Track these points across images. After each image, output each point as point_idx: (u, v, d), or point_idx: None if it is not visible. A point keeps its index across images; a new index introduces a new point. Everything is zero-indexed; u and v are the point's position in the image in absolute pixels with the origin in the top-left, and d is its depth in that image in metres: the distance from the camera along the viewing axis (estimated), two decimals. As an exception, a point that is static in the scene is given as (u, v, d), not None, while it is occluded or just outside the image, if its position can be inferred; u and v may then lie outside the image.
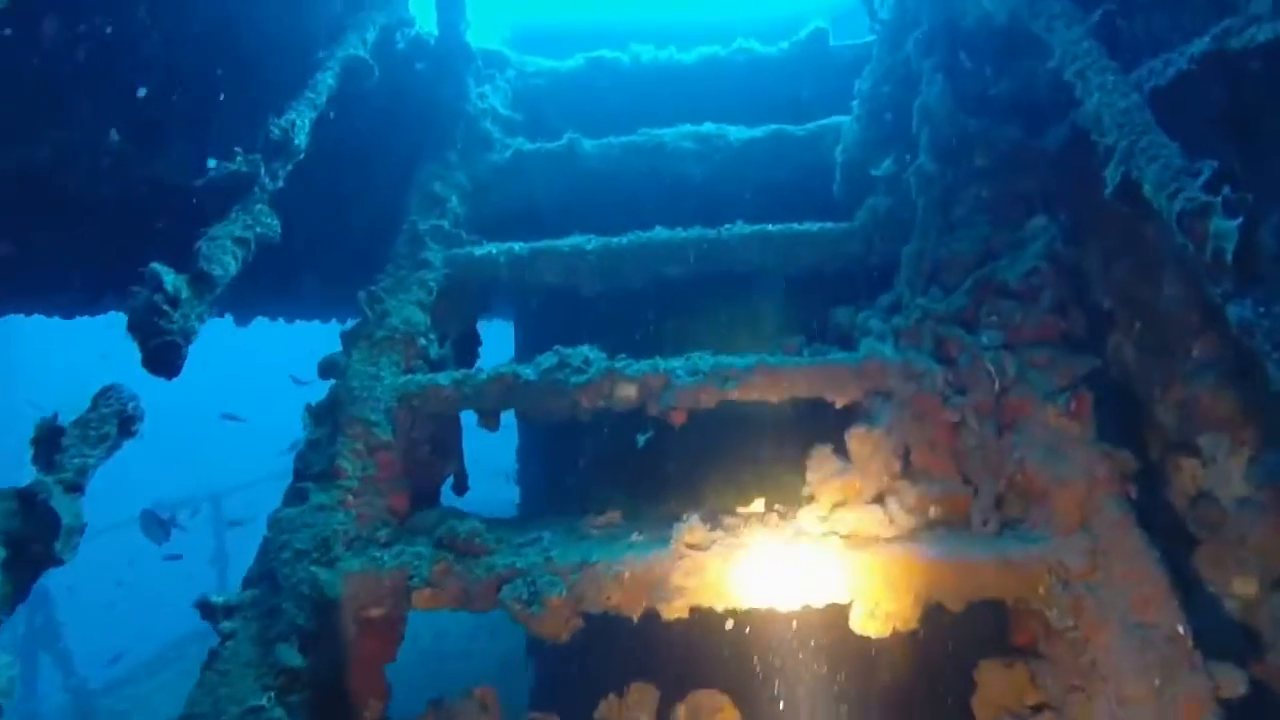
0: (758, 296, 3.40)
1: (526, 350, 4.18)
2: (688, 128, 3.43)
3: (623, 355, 2.70)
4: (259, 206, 2.15)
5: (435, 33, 3.62)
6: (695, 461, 3.16)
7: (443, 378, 2.69)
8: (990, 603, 2.14)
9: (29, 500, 1.40)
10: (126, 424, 1.56)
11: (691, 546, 2.18)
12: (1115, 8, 2.03)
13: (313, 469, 2.48)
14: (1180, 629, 1.89)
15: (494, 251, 3.08)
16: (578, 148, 3.42)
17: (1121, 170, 1.67)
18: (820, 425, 2.74)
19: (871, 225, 2.87)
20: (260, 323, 5.31)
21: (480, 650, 7.70)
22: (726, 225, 3.00)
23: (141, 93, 2.61)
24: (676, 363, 2.61)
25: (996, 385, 2.33)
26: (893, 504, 2.26)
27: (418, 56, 3.54)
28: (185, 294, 1.82)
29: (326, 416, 2.60)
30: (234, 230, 2.02)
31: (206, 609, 1.99)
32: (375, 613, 2.24)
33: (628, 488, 3.31)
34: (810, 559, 2.12)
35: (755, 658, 3.20)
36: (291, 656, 2.01)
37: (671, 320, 3.48)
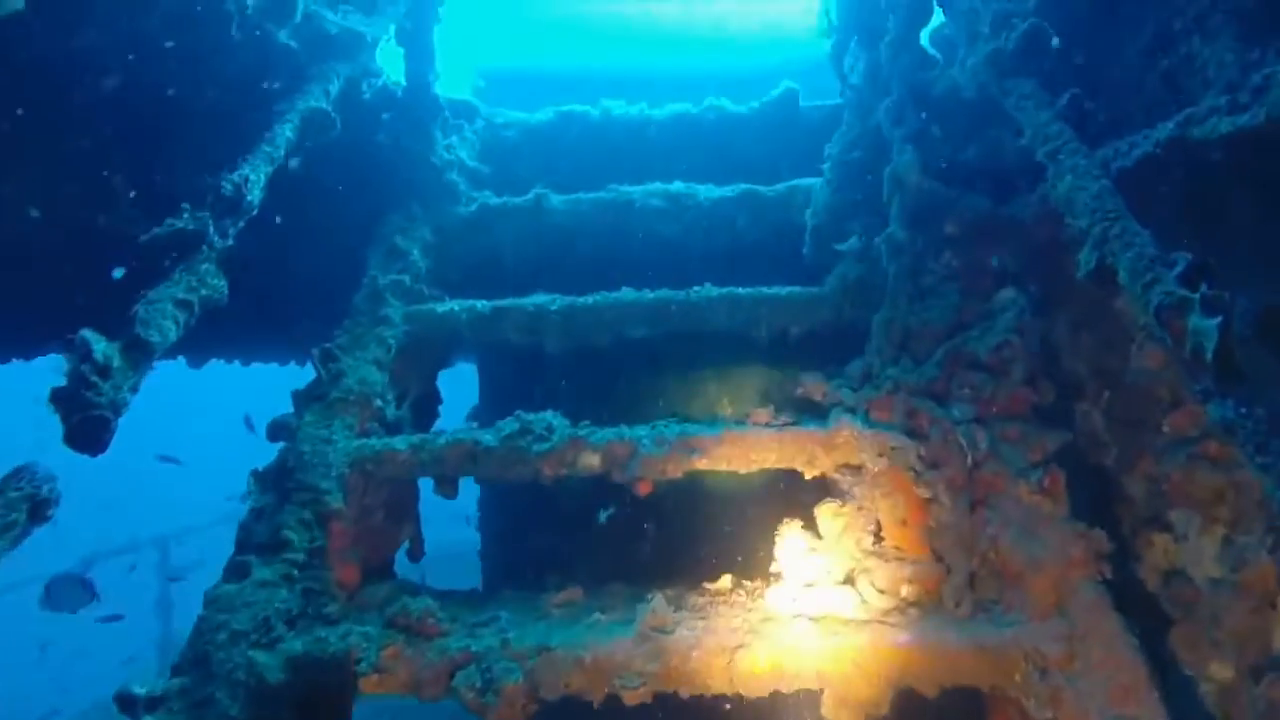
0: (727, 354, 3.35)
1: (491, 396, 4.07)
2: (657, 185, 3.40)
3: (586, 422, 2.62)
4: (206, 266, 2.05)
5: (403, 82, 3.56)
6: (663, 522, 3.07)
7: (399, 442, 2.57)
8: (966, 689, 2.07)
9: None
10: (39, 509, 1.43)
11: (655, 629, 2.08)
12: (1081, 92, 2.04)
13: (256, 539, 2.34)
14: (1160, 723, 1.83)
15: (456, 309, 2.99)
16: (545, 203, 3.37)
17: (1095, 255, 1.65)
18: (790, 489, 2.68)
19: (841, 292, 2.85)
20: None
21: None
22: (695, 287, 2.95)
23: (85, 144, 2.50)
24: (642, 431, 2.54)
25: (969, 460, 2.29)
26: (864, 584, 2.19)
27: (384, 106, 3.47)
28: (117, 363, 1.70)
29: (273, 483, 2.47)
30: (176, 292, 1.91)
31: (125, 702, 1.83)
32: (318, 699, 2.09)
33: (592, 549, 3.21)
34: (779, 644, 2.02)
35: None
36: (222, 755, 1.85)
37: (640, 374, 3.41)
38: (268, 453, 2.66)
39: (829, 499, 2.33)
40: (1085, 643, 1.92)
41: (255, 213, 2.28)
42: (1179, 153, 2.00)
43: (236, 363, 5.38)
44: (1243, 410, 1.30)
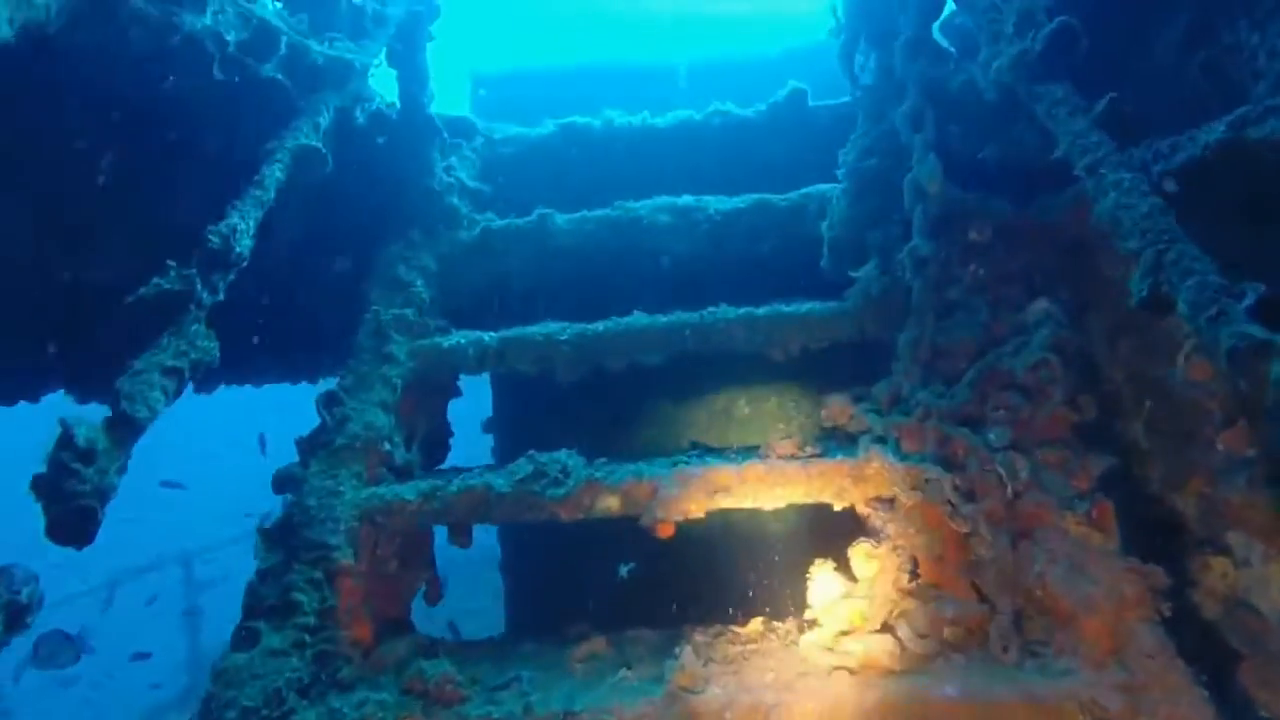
0: (746, 374, 3.22)
1: (506, 410, 3.96)
2: (664, 200, 3.26)
3: (602, 460, 2.51)
4: (195, 328, 1.94)
5: (398, 104, 3.44)
6: (689, 560, 2.94)
7: (408, 491, 2.47)
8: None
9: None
10: (17, 616, 1.33)
11: (685, 689, 1.96)
12: (1119, 95, 1.89)
13: (265, 603, 2.24)
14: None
15: (463, 342, 2.88)
16: (549, 224, 3.25)
17: (1149, 283, 1.51)
18: (820, 520, 2.56)
19: (863, 307, 2.71)
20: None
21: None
22: (709, 309, 2.82)
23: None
24: (662, 468, 2.42)
25: (1009, 491, 2.15)
26: (903, 629, 2.06)
27: (379, 131, 3.35)
28: (102, 444, 1.60)
29: (280, 541, 2.37)
30: (163, 360, 1.81)
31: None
32: (334, 776, 2.00)
33: (617, 588, 3.10)
34: (816, 702, 1.90)
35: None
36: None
37: (657, 395, 3.30)
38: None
39: (862, 539, 2.20)
40: (1148, 694, 1.79)
41: (246, 263, 2.17)
42: (1232, 155, 1.85)
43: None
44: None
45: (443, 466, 3.09)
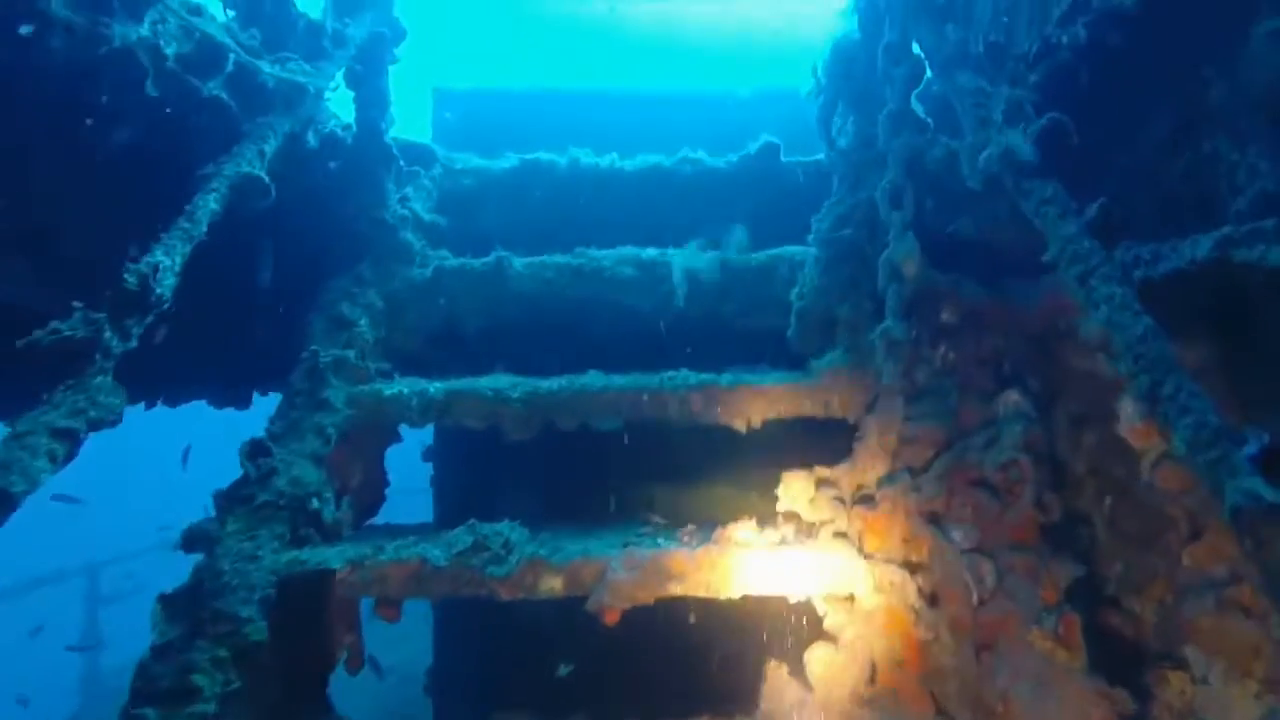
0: (705, 440, 3.08)
1: (447, 455, 3.75)
2: (629, 251, 3.13)
3: (546, 535, 2.35)
4: (99, 380, 1.72)
5: (354, 127, 3.24)
6: (635, 644, 2.78)
7: (335, 558, 2.26)
8: None
9: None
10: None
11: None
12: (1111, 202, 1.83)
13: (158, 685, 2.00)
14: None
15: (405, 392, 2.69)
16: (507, 268, 3.08)
17: (1142, 410, 1.43)
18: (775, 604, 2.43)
19: (830, 383, 2.61)
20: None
21: None
22: (668, 374, 2.69)
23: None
24: (611, 547, 2.27)
25: (975, 597, 2.06)
26: (861, 744, 1.94)
27: (331, 155, 3.15)
28: (-30, 524, 1.37)
29: (184, 610, 2.13)
30: (53, 420, 1.59)
31: None
32: None
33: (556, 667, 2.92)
34: (768, 827, 1.77)
35: None
36: None
37: (613, 451, 3.12)
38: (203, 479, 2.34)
39: (820, 643, 2.08)
40: (1113, 834, 1.70)
41: (167, 306, 1.96)
42: (1215, 274, 1.80)
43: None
44: None
45: (375, 522, 2.88)
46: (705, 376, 2.69)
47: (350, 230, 3.15)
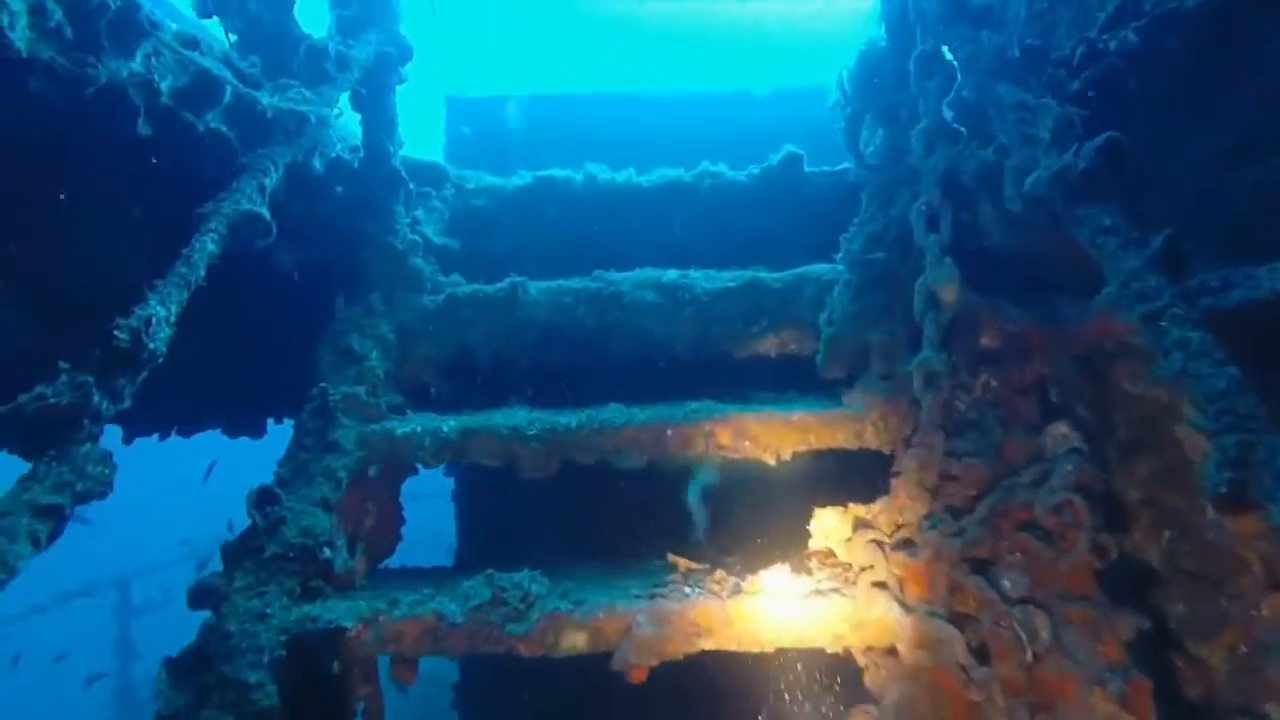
0: (733, 476, 2.92)
1: (466, 496, 3.66)
2: (649, 274, 2.99)
3: (568, 582, 2.22)
4: (86, 449, 1.62)
5: (361, 151, 3.13)
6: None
7: (346, 614, 2.16)
8: None
9: None
10: None
11: None
12: (1178, 233, 1.67)
13: (163, 759, 1.91)
14: None
15: (419, 431, 2.58)
16: (522, 294, 2.96)
17: (1230, 478, 1.27)
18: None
19: (863, 413, 2.46)
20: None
21: None
22: (693, 405, 2.56)
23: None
24: (637, 598, 2.14)
25: (1028, 654, 1.91)
26: (909, 819, 1.80)
27: (338, 179, 3.04)
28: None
29: (190, 675, 2.04)
30: (36, 497, 1.49)
31: None
32: None
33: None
34: None
35: None
36: None
37: (637, 485, 2.98)
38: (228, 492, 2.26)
39: (861, 707, 1.94)
40: None
41: (161, 360, 1.85)
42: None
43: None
44: None
45: (390, 565, 2.77)
46: (731, 407, 2.55)
47: (359, 258, 3.04)
